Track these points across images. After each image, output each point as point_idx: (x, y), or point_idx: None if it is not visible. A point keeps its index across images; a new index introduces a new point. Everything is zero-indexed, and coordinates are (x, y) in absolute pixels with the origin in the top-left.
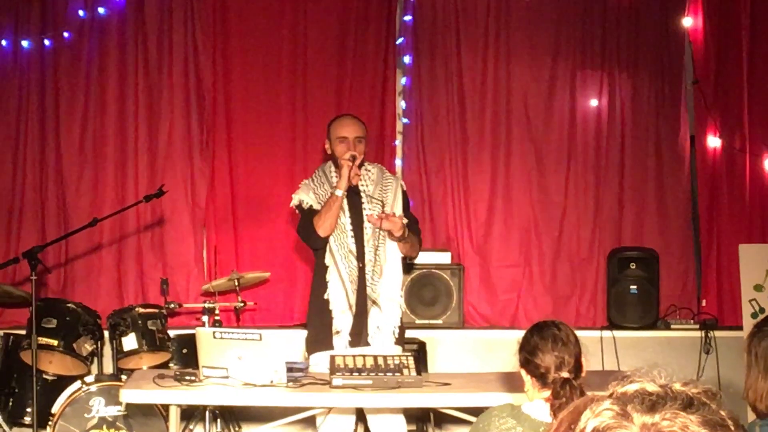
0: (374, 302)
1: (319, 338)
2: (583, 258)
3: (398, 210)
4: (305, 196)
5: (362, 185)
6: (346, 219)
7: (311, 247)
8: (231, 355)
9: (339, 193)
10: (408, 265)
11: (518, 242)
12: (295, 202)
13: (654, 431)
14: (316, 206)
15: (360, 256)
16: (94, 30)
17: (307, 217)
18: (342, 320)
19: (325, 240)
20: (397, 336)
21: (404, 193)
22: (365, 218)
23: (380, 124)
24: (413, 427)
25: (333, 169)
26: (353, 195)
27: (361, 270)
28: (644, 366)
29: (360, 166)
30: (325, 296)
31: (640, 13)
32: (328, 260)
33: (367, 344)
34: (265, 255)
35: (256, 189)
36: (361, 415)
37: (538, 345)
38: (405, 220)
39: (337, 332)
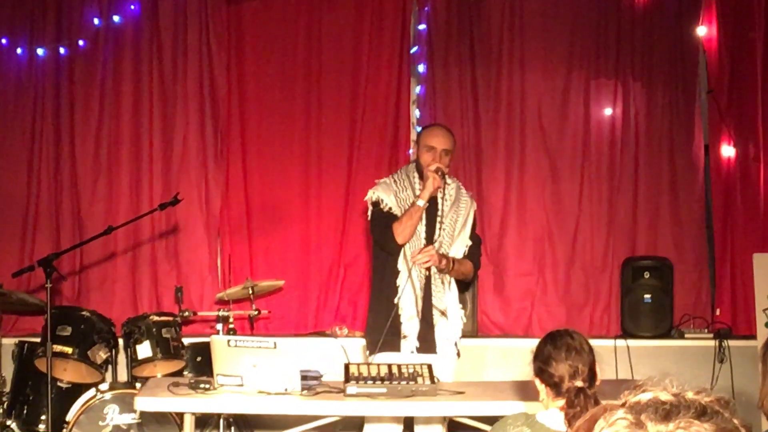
0: (443, 313)
1: (385, 339)
2: (597, 267)
3: (466, 232)
4: (386, 197)
5: (441, 198)
6: (421, 227)
7: (385, 251)
8: (245, 363)
9: (421, 203)
10: (465, 284)
11: (532, 251)
12: (372, 197)
13: None
14: (396, 210)
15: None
16: (108, 38)
17: (385, 220)
18: (410, 326)
19: (401, 246)
20: (457, 350)
21: (474, 213)
22: (437, 232)
23: (394, 132)
24: None
25: (416, 175)
26: (431, 205)
27: (428, 279)
28: (656, 375)
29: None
30: (396, 300)
31: (655, 22)
32: (400, 265)
33: (435, 353)
34: (279, 263)
35: (271, 197)
36: (408, 424)
37: (551, 354)
38: (449, 259)
39: (405, 337)
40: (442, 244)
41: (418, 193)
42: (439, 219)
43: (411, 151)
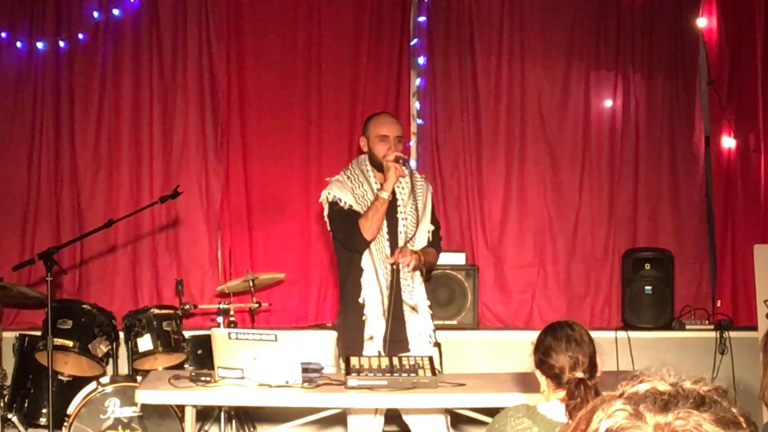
0: (413, 308)
1: (356, 342)
2: (598, 258)
3: (428, 217)
4: (342, 195)
5: (397, 188)
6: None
7: (352, 249)
8: (246, 355)
9: (385, 195)
10: (429, 274)
11: (533, 243)
12: (329, 197)
13: (668, 431)
14: (356, 207)
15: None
16: (108, 31)
17: (347, 218)
18: (376, 326)
19: (370, 243)
20: (433, 341)
21: (432, 195)
22: (399, 223)
23: None
24: (394, 428)
25: (370, 168)
26: None
27: (395, 274)
28: (653, 365)
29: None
30: (360, 300)
31: (655, 13)
32: (365, 263)
33: (408, 351)
34: (279, 256)
35: (271, 190)
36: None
37: (552, 345)
38: (422, 258)
39: (371, 338)
40: (407, 234)
41: (375, 186)
42: (400, 209)
43: (412, 143)
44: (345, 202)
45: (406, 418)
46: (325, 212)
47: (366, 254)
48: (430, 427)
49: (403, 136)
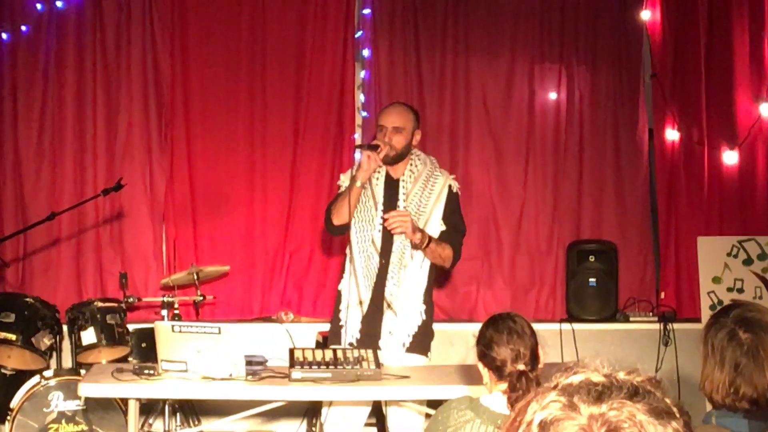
0: (389, 305)
1: (335, 330)
2: (542, 250)
3: (437, 213)
4: (345, 178)
5: (402, 179)
6: (376, 211)
7: (328, 231)
8: (190, 348)
9: (357, 183)
10: (445, 272)
11: (477, 235)
12: (339, 181)
13: (601, 422)
14: None
15: (384, 253)
16: (51, 24)
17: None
18: (348, 314)
19: (339, 228)
20: (408, 346)
21: (451, 194)
22: (399, 207)
23: (339, 117)
24: (373, 421)
25: None
26: (391, 188)
27: (383, 267)
28: (587, 356)
29: (399, 157)
30: (339, 287)
31: (599, 6)
32: (347, 250)
33: (378, 348)
34: (224, 249)
35: (215, 182)
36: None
37: (493, 338)
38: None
39: (341, 326)
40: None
41: (376, 174)
42: (400, 202)
43: (356, 135)
44: (341, 185)
45: (388, 410)
46: None
47: (355, 243)
48: (406, 422)
49: (405, 126)
